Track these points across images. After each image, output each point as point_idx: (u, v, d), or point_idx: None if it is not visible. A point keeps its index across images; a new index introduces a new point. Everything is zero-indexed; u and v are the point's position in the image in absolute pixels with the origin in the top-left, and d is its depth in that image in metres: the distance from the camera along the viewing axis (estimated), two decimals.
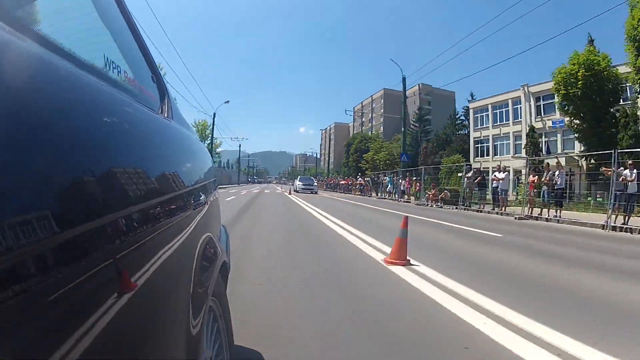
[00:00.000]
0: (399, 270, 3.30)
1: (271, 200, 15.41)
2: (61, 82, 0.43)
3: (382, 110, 79.81)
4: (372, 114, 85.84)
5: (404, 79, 23.65)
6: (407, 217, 3.86)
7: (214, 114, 34.32)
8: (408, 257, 3.60)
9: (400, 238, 3.61)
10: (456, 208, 13.64)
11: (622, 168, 8.57)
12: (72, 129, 0.41)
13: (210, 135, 35.88)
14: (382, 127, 76.10)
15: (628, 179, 8.20)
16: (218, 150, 45.73)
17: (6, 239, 0.27)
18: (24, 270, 0.29)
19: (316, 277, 3.08)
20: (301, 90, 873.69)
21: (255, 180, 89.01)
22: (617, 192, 8.30)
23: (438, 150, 37.84)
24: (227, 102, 36.22)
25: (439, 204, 14.92)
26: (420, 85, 76.88)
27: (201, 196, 0.97)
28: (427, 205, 15.40)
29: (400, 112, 32.46)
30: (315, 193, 25.00)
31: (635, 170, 8.16)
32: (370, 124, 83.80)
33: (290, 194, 22.03)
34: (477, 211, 12.41)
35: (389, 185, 21.41)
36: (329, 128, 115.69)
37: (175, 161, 0.83)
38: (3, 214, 0.27)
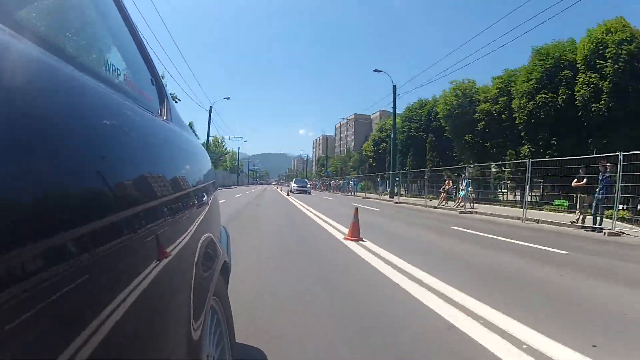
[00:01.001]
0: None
1: (270, 190, 43.80)
2: (60, 85, 0.43)
3: (352, 130, 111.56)
4: (347, 132, 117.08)
5: (326, 139, 53.22)
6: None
7: (239, 147, 63.63)
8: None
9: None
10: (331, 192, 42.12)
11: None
12: (71, 132, 0.42)
13: (237, 159, 65.29)
14: (353, 143, 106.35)
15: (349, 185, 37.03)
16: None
17: (6, 239, 0.28)
18: (24, 272, 0.29)
19: (277, 203, 31.32)
20: (302, 92, 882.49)
21: (258, 182, 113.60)
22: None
23: (361, 165, 66.10)
24: (245, 141, 65.74)
25: (326, 190, 44.12)
26: (381, 111, 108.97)
27: (201, 197, 0.98)
28: (322, 190, 44.17)
29: (325, 149, 56.90)
30: (309, 194, 28.03)
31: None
32: (346, 140, 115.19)
33: (278, 189, 47.65)
34: (342, 194, 40.07)
35: (318, 184, 51.05)
36: (318, 138, 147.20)
37: (175, 163, 0.84)
38: (3, 216, 0.28)
